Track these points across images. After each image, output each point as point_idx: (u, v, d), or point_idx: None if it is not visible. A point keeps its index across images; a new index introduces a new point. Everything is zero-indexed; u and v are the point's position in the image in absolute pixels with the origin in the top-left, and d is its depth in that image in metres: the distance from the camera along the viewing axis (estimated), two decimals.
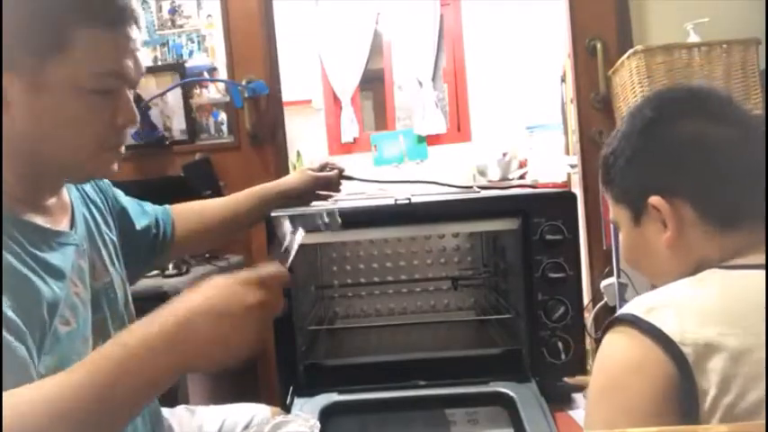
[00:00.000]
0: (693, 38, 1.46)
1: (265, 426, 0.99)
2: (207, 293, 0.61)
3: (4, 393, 0.53)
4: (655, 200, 0.69)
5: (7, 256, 0.65)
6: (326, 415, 1.05)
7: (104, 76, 0.71)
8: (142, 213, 1.01)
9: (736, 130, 0.69)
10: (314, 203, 1.24)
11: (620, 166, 0.74)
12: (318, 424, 0.98)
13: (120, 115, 0.74)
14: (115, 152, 0.77)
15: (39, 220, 0.74)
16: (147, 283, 1.27)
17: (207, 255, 1.61)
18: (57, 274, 0.71)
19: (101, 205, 0.90)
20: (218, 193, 1.65)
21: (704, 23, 1.47)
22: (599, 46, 1.64)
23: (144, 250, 1.00)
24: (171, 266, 1.41)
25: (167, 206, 1.08)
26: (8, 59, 0.67)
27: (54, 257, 0.72)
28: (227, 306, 0.60)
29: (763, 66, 1.42)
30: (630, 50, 1.43)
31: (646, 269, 0.78)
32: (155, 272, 1.37)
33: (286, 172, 1.85)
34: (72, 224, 0.80)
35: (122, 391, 0.56)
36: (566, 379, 1.08)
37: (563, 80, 2.42)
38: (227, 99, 1.80)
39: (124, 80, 0.74)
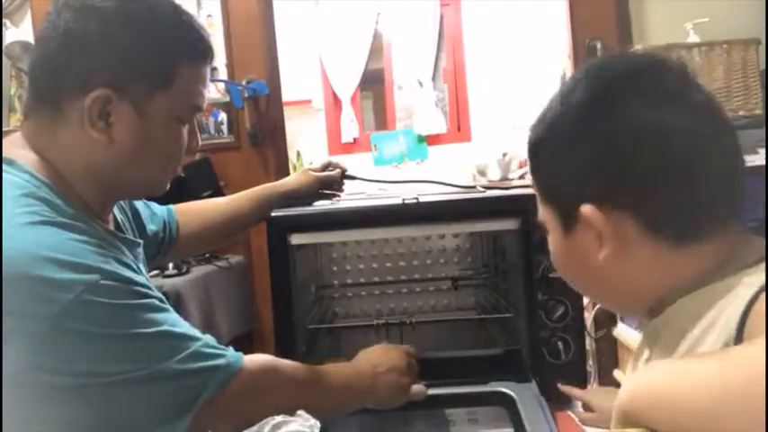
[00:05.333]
0: (693, 38, 1.46)
1: (265, 426, 0.99)
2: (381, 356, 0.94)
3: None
4: (587, 210, 0.53)
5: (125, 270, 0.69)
6: None
7: (194, 108, 0.79)
8: (152, 215, 1.01)
9: (694, 115, 0.52)
10: (316, 203, 1.24)
11: (547, 158, 0.58)
12: (318, 424, 0.98)
13: (193, 141, 0.82)
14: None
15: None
16: None
17: (207, 255, 1.62)
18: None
19: (125, 207, 0.93)
20: (218, 193, 1.65)
21: (704, 23, 1.47)
22: (599, 46, 1.65)
23: (150, 252, 1.00)
24: (171, 266, 1.41)
25: (170, 206, 1.08)
26: (122, 86, 0.71)
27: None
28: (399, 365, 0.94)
29: (763, 66, 1.42)
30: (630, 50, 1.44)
31: (584, 287, 0.64)
32: (155, 271, 1.37)
33: (286, 172, 1.85)
34: (118, 229, 0.84)
35: (335, 400, 0.89)
36: (560, 386, 1.07)
37: (563, 80, 2.42)
38: (227, 99, 1.80)
39: (201, 110, 0.80)
